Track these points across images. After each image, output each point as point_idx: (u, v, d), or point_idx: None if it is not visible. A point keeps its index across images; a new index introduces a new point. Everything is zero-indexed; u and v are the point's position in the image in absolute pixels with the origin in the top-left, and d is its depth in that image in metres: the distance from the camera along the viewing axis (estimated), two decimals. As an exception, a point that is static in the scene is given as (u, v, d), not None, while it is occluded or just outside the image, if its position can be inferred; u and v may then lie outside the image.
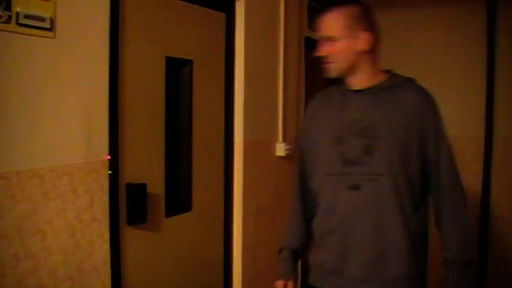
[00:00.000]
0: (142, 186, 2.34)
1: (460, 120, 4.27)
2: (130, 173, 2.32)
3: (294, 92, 3.70)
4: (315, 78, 3.85)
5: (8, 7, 1.69)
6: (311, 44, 3.59)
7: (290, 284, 2.00)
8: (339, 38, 1.79)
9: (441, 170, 1.84)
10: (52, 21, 1.85)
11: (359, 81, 1.85)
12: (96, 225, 2.08)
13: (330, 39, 1.81)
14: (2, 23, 1.68)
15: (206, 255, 2.93)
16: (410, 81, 1.89)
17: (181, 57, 2.65)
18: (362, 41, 1.79)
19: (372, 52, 1.83)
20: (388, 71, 1.90)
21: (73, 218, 1.98)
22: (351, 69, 1.84)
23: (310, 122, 2.02)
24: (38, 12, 1.79)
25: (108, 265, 2.15)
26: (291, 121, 3.63)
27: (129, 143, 2.32)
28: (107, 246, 2.14)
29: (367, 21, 1.80)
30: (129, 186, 2.30)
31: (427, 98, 1.86)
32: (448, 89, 4.29)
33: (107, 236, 2.14)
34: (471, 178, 4.21)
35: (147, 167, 2.43)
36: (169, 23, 2.56)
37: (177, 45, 2.63)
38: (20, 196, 1.77)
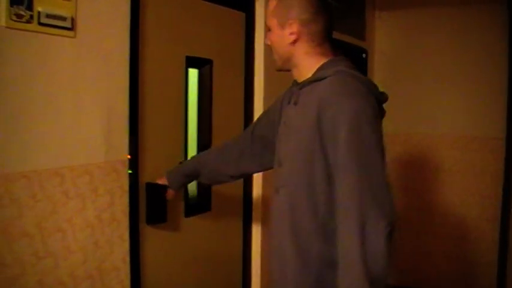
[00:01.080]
0: (163, 186, 2.33)
1: (481, 121, 4.23)
2: (151, 172, 2.32)
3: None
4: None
5: (29, 6, 1.70)
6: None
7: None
8: (272, 28, 1.67)
9: (337, 183, 1.47)
10: (73, 20, 1.85)
11: (297, 75, 1.69)
12: (115, 224, 2.08)
13: (268, 28, 1.70)
14: (24, 22, 1.68)
15: (225, 255, 2.92)
16: (336, 73, 1.56)
17: (201, 56, 2.64)
18: (288, 31, 1.62)
19: (305, 43, 1.64)
20: (328, 62, 1.63)
21: (93, 217, 1.98)
22: (288, 62, 1.68)
23: (277, 109, 1.88)
24: (59, 11, 1.80)
25: (128, 264, 2.15)
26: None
27: (149, 142, 2.31)
28: (126, 245, 2.14)
29: (299, 10, 1.60)
30: (149, 186, 2.30)
31: (333, 90, 1.52)
32: (469, 89, 4.25)
33: (126, 235, 2.14)
34: (492, 179, 4.18)
35: (167, 166, 2.42)
36: (189, 22, 2.55)
37: (197, 44, 2.62)
38: (40, 195, 1.78)
